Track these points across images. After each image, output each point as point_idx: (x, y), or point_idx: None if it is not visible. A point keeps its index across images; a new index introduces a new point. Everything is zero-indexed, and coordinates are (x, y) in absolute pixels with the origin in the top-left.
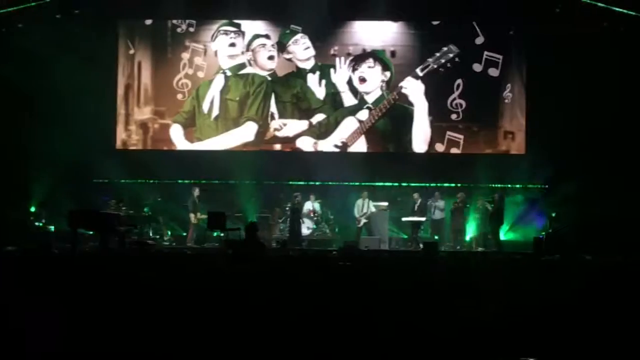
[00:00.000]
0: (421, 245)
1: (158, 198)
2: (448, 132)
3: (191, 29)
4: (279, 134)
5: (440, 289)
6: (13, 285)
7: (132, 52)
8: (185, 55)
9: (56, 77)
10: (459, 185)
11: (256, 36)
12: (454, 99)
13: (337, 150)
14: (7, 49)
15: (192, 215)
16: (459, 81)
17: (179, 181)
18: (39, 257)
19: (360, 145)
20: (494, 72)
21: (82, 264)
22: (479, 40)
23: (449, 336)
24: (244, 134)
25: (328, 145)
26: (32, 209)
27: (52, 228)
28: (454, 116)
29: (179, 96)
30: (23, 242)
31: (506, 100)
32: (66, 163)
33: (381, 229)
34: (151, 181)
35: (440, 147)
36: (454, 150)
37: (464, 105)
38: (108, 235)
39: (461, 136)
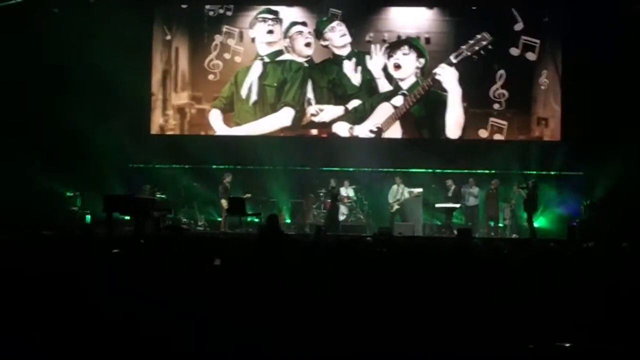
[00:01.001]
0: (455, 232)
1: (193, 183)
2: (491, 119)
3: (228, 13)
4: (316, 119)
5: (474, 276)
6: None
7: (168, 37)
8: (218, 37)
9: (91, 63)
10: (493, 171)
11: (293, 23)
12: (497, 89)
13: (372, 135)
14: (43, 34)
15: (223, 201)
16: (502, 72)
17: (214, 166)
18: (80, 241)
19: (394, 131)
20: (531, 56)
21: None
22: (518, 26)
23: (484, 322)
24: (281, 119)
25: (363, 130)
26: (68, 194)
27: (87, 214)
28: (496, 106)
29: (210, 77)
30: (59, 227)
31: (542, 86)
32: (102, 148)
33: (415, 215)
34: (186, 166)
35: (484, 134)
36: (497, 137)
37: (506, 95)
38: (143, 220)
39: (505, 122)
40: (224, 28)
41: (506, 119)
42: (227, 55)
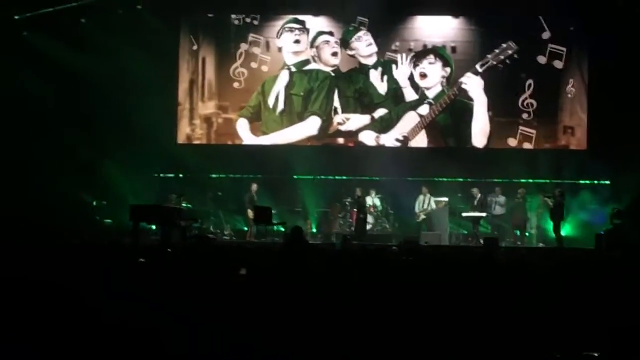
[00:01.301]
0: (481, 241)
1: (218, 192)
2: (520, 127)
3: (255, 22)
4: (342, 128)
5: (501, 285)
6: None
7: (195, 47)
8: (244, 45)
9: (118, 73)
10: (519, 180)
11: (320, 33)
12: (525, 99)
13: (398, 144)
14: (70, 43)
15: (249, 211)
16: (530, 81)
17: (240, 175)
18: (106, 250)
19: (420, 140)
20: (558, 64)
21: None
22: (546, 35)
23: (511, 331)
24: (308, 128)
25: (390, 139)
26: (94, 203)
27: (109, 221)
28: (525, 115)
29: (235, 84)
30: (85, 235)
31: (569, 95)
32: (128, 157)
33: (441, 225)
34: (212, 175)
35: (513, 142)
36: (526, 145)
37: (535, 105)
38: (169, 229)
39: (534, 131)
40: (250, 36)
41: (533, 127)
42: (253, 64)
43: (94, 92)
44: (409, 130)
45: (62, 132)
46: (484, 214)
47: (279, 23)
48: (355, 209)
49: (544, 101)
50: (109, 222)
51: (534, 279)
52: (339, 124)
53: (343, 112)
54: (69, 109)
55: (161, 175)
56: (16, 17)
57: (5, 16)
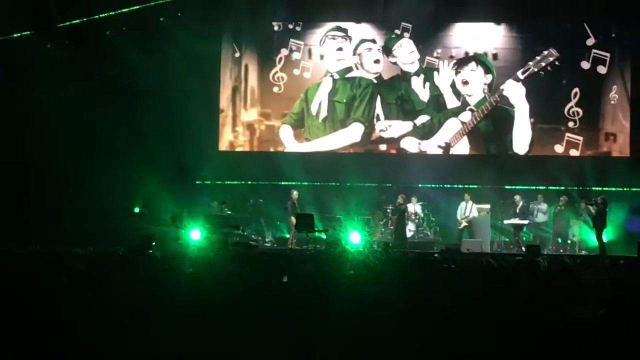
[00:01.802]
0: (523, 249)
1: (259, 199)
2: (567, 134)
3: (297, 28)
4: (384, 134)
5: (543, 293)
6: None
7: (237, 55)
8: (284, 51)
9: (159, 80)
10: (561, 188)
11: (362, 41)
12: (571, 107)
13: (440, 150)
14: (112, 51)
15: (291, 218)
16: (576, 89)
17: (281, 183)
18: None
19: (462, 146)
20: (601, 69)
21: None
22: (590, 41)
23: (554, 340)
24: (351, 134)
25: (432, 145)
26: (136, 210)
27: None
28: (571, 124)
29: (275, 89)
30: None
31: (612, 101)
32: (169, 164)
33: (483, 232)
34: (253, 182)
35: (559, 149)
36: (573, 152)
37: (580, 113)
38: (211, 236)
39: (580, 138)
40: (291, 42)
41: (579, 134)
42: (296, 71)
43: (135, 101)
44: (450, 137)
45: (108, 140)
46: (526, 222)
47: (320, 30)
48: (396, 216)
49: (588, 108)
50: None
51: (578, 286)
52: (382, 130)
53: (385, 119)
54: (112, 117)
55: (204, 182)
56: (60, 24)
57: (47, 26)
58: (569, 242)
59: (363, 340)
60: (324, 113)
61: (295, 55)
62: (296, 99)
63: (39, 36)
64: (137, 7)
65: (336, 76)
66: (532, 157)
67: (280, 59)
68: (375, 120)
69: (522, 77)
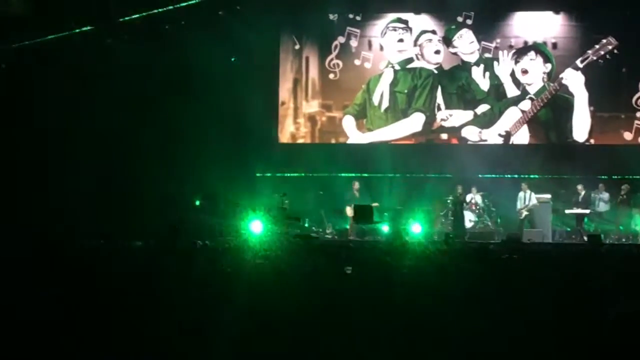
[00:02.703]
0: (585, 238)
1: (320, 191)
2: (636, 122)
3: (357, 18)
4: (445, 124)
5: (606, 283)
6: None
7: (297, 47)
8: (340, 38)
9: (219, 73)
10: (623, 177)
11: (423, 32)
12: (639, 98)
13: (501, 139)
14: (171, 46)
15: (348, 209)
16: None
17: (341, 174)
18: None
19: (522, 134)
20: None
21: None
22: None
23: (620, 330)
24: (413, 124)
25: (492, 134)
26: (197, 203)
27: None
28: (639, 114)
29: (331, 76)
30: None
31: None
32: (229, 157)
33: (544, 221)
34: (313, 174)
35: (629, 136)
36: None
37: None
38: (272, 228)
39: None
40: (347, 29)
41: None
42: (357, 62)
43: (195, 95)
44: (511, 125)
45: (164, 134)
46: (587, 211)
47: (381, 22)
48: (455, 207)
49: None
50: (214, 223)
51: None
52: (443, 120)
53: (446, 108)
54: (172, 111)
55: (264, 174)
56: (121, 19)
57: (107, 22)
58: (631, 231)
59: (425, 331)
60: (385, 103)
61: (352, 43)
62: (357, 89)
63: (99, 31)
64: (196, 0)
65: (397, 67)
66: (594, 145)
67: (336, 46)
68: (436, 110)
69: (581, 65)
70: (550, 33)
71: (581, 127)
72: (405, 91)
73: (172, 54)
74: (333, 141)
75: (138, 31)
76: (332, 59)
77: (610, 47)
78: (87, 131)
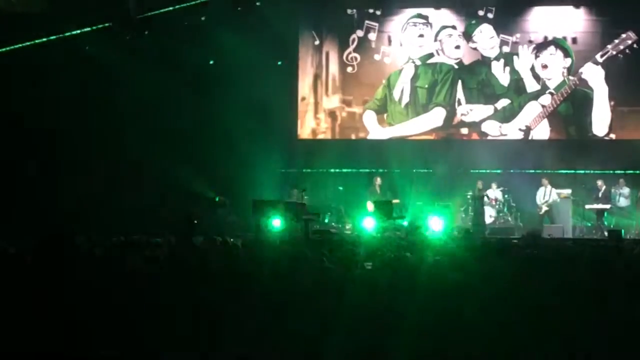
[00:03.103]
0: (606, 234)
1: (339, 187)
2: None
3: (377, 12)
4: (466, 118)
5: (627, 279)
6: None
7: (317, 42)
8: (359, 32)
9: (239, 69)
10: None
11: (443, 27)
12: None
13: (521, 133)
14: (191, 41)
15: (368, 204)
16: None
17: (361, 170)
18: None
19: (542, 129)
20: None
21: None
22: None
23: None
24: (433, 119)
25: (512, 128)
26: (217, 199)
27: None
28: None
29: (349, 69)
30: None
31: None
32: (249, 152)
33: (564, 217)
34: (334, 170)
35: None
36: None
37: None
38: (292, 224)
39: None
40: (366, 23)
41: None
42: (376, 57)
43: (214, 90)
44: (531, 120)
45: (189, 129)
46: (608, 206)
47: (400, 17)
48: (475, 202)
49: None
50: (233, 219)
51: None
52: (463, 114)
53: (466, 103)
54: (192, 108)
55: (283, 170)
56: (139, 16)
57: (127, 18)
58: None
59: (446, 326)
60: (406, 98)
61: (371, 37)
62: (377, 84)
63: (118, 28)
64: None
65: (418, 62)
66: (614, 140)
67: (354, 39)
68: (456, 104)
69: (600, 60)
70: (569, 28)
71: (601, 121)
72: (426, 86)
73: (191, 51)
74: (353, 137)
75: (157, 28)
76: (350, 52)
77: (630, 42)
78: (109, 129)
